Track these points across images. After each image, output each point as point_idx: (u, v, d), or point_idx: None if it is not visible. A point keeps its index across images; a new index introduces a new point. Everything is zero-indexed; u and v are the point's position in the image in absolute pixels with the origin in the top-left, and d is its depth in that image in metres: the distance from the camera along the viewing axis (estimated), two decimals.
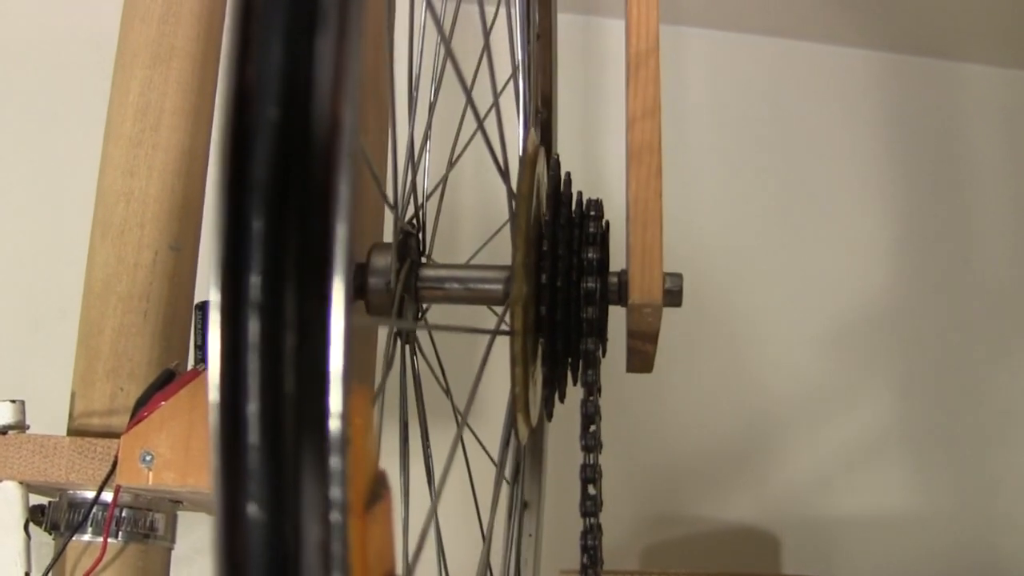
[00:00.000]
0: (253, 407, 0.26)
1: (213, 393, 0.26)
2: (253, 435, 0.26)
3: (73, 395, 0.66)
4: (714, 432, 1.40)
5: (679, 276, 0.63)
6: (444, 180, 0.71)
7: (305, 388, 0.26)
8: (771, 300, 1.47)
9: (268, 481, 0.26)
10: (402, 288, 0.61)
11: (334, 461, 0.26)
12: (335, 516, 0.26)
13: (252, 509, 0.26)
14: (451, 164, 0.70)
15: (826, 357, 1.45)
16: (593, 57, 1.58)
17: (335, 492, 0.26)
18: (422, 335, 0.67)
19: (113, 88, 0.69)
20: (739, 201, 1.52)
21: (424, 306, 0.66)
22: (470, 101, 0.59)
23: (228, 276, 0.26)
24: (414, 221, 0.66)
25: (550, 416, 0.64)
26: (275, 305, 0.26)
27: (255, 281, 0.26)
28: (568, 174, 0.65)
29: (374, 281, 0.61)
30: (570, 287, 0.59)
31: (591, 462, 0.59)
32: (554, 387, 0.62)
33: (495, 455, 0.70)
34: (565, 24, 1.53)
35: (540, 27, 0.91)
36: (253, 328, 0.26)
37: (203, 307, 0.66)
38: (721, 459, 1.39)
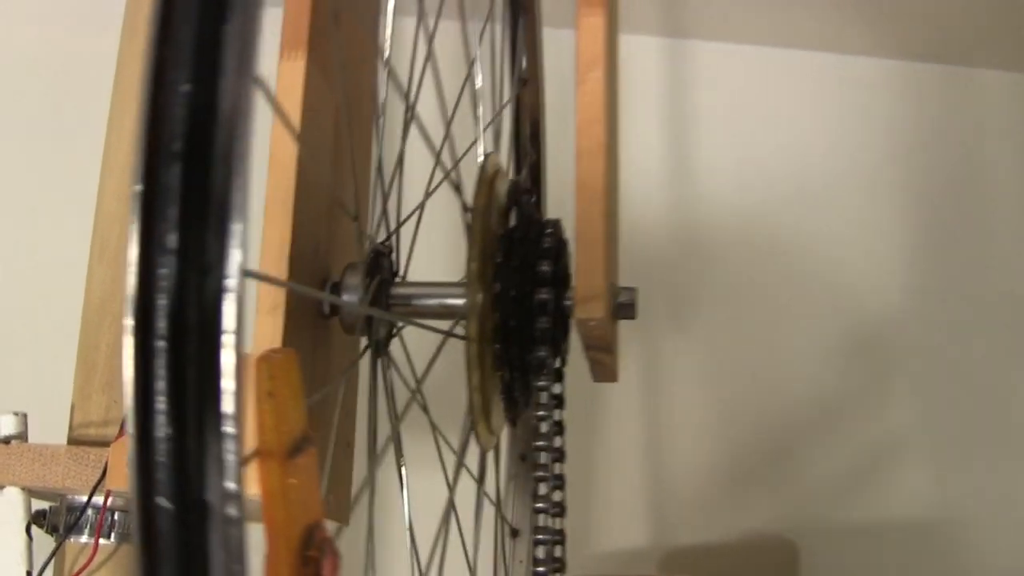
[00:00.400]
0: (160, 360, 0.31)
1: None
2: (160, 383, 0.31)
3: (72, 407, 0.71)
4: (731, 437, 1.42)
5: (632, 290, 0.67)
6: (421, 207, 0.75)
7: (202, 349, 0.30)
8: (788, 306, 1.49)
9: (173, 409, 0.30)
10: (370, 304, 0.66)
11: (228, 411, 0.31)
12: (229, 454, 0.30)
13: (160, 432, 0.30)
14: (427, 193, 0.74)
15: (844, 363, 1.47)
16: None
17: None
18: (397, 352, 0.71)
19: (111, 113, 0.73)
20: (753, 209, 1.55)
21: (398, 324, 0.70)
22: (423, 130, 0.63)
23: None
24: (387, 242, 0.71)
25: (513, 423, 0.68)
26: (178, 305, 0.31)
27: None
28: (531, 196, 0.69)
29: (346, 297, 0.66)
30: (524, 298, 0.63)
31: (559, 472, 0.63)
32: (512, 394, 0.66)
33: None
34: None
35: (528, 72, 0.95)
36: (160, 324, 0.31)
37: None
38: (738, 465, 1.42)
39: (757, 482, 1.40)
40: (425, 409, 0.72)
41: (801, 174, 1.56)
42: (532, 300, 0.63)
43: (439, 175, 0.71)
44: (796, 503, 1.40)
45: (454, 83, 0.78)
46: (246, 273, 0.31)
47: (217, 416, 0.31)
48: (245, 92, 0.31)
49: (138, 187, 0.31)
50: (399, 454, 0.74)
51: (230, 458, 0.31)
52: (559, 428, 0.74)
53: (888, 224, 1.54)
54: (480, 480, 0.74)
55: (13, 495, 0.67)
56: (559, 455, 0.75)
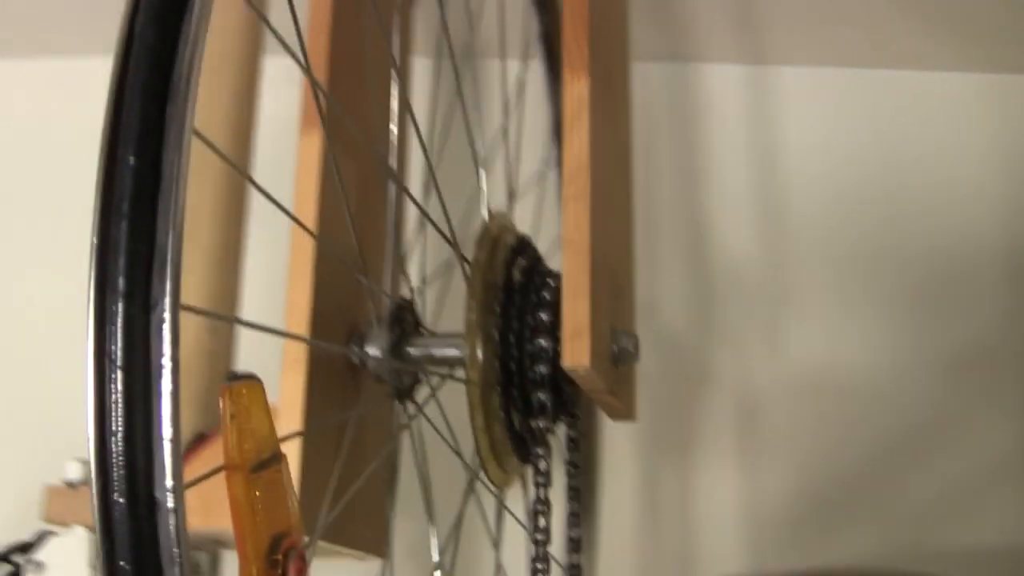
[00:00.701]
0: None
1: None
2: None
3: None
4: (826, 461, 1.44)
5: (631, 336, 0.72)
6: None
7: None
8: (885, 327, 1.49)
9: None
10: (392, 358, 0.72)
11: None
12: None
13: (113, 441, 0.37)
14: (454, 244, 0.80)
15: (943, 385, 1.47)
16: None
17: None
18: (428, 403, 0.77)
19: None
20: (844, 233, 1.56)
21: (419, 374, 0.77)
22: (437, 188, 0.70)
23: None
24: (410, 294, 0.77)
25: (524, 460, 0.73)
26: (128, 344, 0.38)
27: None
28: (532, 250, 0.75)
29: (370, 350, 0.73)
30: (522, 344, 0.69)
31: (543, 496, 0.68)
32: (518, 436, 0.71)
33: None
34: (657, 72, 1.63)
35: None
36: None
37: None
38: (833, 489, 1.43)
39: (852, 507, 1.41)
40: (458, 453, 0.77)
41: (897, 195, 1.56)
42: (531, 347, 0.69)
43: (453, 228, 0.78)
44: (891, 530, 1.40)
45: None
46: (184, 307, 0.38)
47: (159, 428, 0.38)
48: (180, 163, 0.38)
49: (94, 240, 0.38)
50: (428, 499, 0.80)
51: (168, 462, 0.37)
52: (573, 468, 0.79)
53: (991, 241, 1.52)
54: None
55: (80, 533, 0.75)
56: (575, 493, 0.80)
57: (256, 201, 0.81)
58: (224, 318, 0.78)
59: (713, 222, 1.60)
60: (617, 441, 1.38)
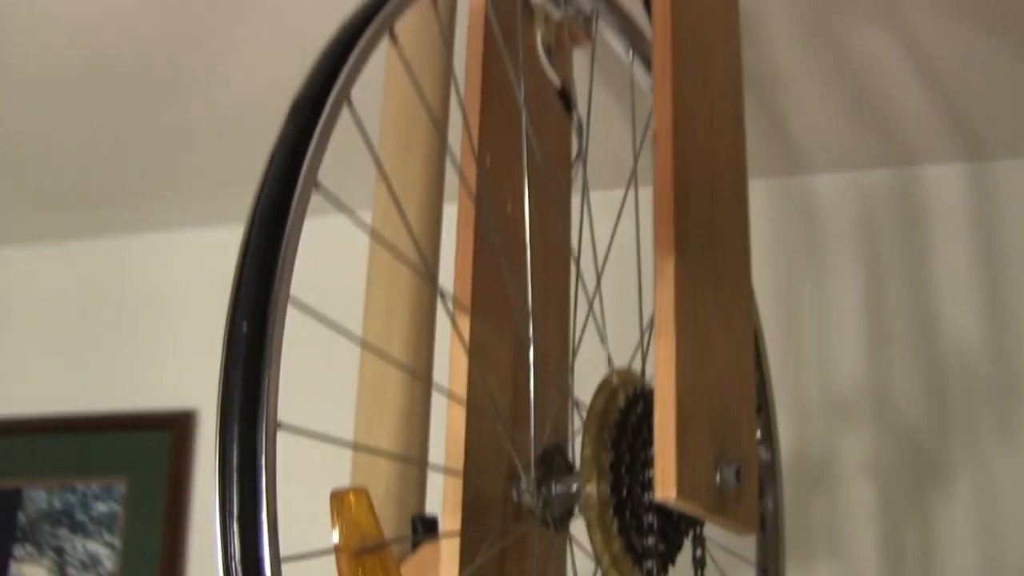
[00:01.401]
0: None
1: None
2: None
3: None
4: None
5: (732, 467, 0.83)
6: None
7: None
8: None
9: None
10: (537, 491, 0.87)
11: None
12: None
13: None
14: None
15: None
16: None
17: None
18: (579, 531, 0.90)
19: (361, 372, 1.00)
20: None
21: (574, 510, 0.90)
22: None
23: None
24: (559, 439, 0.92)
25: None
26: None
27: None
28: (649, 394, 0.88)
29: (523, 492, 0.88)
30: (633, 474, 0.82)
31: None
32: (636, 552, 0.83)
33: None
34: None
35: None
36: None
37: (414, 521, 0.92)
38: None
39: None
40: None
41: None
42: (642, 477, 0.82)
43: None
44: None
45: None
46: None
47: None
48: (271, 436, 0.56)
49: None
50: None
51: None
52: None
53: None
54: None
55: None
56: None
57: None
58: (373, 451, 0.95)
59: (941, 315, 1.64)
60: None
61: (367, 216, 0.96)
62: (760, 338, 1.17)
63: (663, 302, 0.81)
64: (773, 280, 1.71)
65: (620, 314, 1.00)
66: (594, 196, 0.97)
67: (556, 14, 0.98)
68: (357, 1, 0.73)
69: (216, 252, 1.96)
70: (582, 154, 0.99)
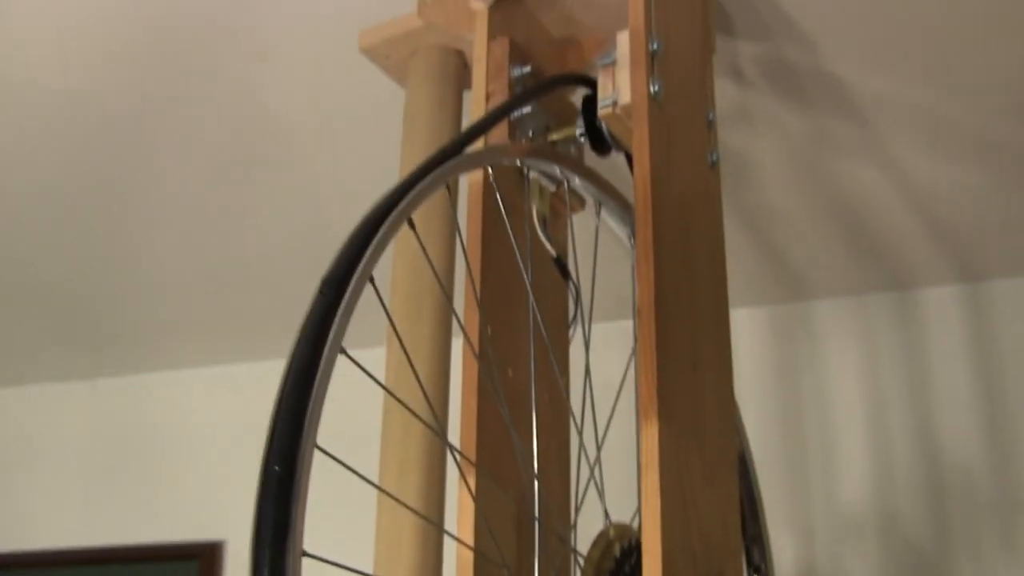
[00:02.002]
0: None
1: None
2: None
3: None
4: None
5: None
6: None
7: None
8: None
9: None
10: None
11: None
12: None
13: None
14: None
15: None
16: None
17: None
18: None
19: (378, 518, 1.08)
20: None
21: None
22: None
23: None
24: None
25: None
26: None
27: None
28: (636, 547, 0.95)
29: None
30: None
31: None
32: None
33: None
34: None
35: None
36: None
37: None
38: None
39: None
40: None
41: None
42: None
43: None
44: None
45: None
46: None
47: None
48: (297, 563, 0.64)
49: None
50: None
51: None
52: None
53: None
54: None
55: None
56: None
57: None
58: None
59: (942, 431, 1.70)
60: None
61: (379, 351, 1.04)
62: (752, 475, 1.24)
63: (649, 466, 0.88)
64: (778, 402, 1.78)
65: (622, 463, 1.07)
66: (596, 327, 1.06)
67: (551, 186, 1.08)
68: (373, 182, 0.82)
69: (234, 389, 2.07)
70: (579, 317, 1.07)
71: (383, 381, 1.11)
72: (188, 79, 1.40)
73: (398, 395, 1.04)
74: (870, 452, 1.74)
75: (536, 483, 0.97)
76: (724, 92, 1.33)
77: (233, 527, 1.95)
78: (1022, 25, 1.25)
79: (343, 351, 0.72)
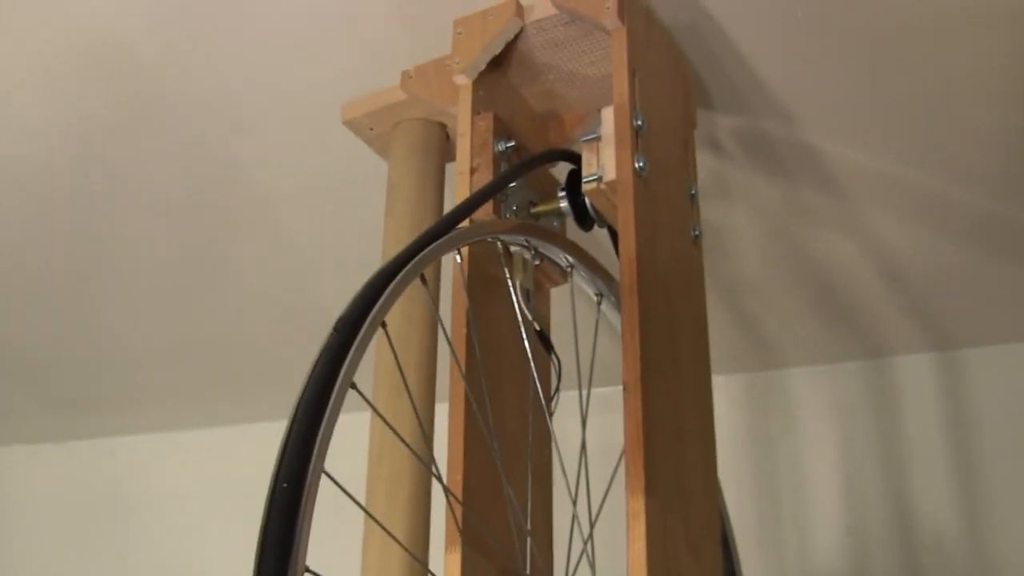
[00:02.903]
0: None
1: None
2: None
3: None
4: None
5: None
6: None
7: None
8: None
9: None
10: None
11: None
12: None
13: None
14: None
15: None
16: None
17: None
18: None
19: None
20: None
21: None
22: None
23: None
24: None
25: None
26: None
27: None
28: None
29: None
30: None
31: None
32: None
33: None
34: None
35: None
36: None
37: None
38: None
39: None
40: None
41: None
42: None
43: None
44: None
45: None
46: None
47: None
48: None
49: None
50: None
51: None
52: None
53: None
54: None
55: None
56: None
57: None
58: None
59: (916, 497, 1.71)
60: None
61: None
62: (731, 540, 1.24)
63: (635, 541, 0.88)
64: (752, 468, 1.79)
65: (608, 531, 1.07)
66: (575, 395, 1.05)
67: (533, 260, 1.08)
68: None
69: (208, 453, 2.06)
70: (560, 389, 1.07)
71: (367, 447, 1.11)
72: (163, 150, 1.41)
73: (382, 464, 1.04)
74: (845, 519, 1.74)
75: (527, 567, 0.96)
76: (702, 164, 1.35)
77: None
78: (997, 98, 1.27)
79: (353, 386, 0.75)
